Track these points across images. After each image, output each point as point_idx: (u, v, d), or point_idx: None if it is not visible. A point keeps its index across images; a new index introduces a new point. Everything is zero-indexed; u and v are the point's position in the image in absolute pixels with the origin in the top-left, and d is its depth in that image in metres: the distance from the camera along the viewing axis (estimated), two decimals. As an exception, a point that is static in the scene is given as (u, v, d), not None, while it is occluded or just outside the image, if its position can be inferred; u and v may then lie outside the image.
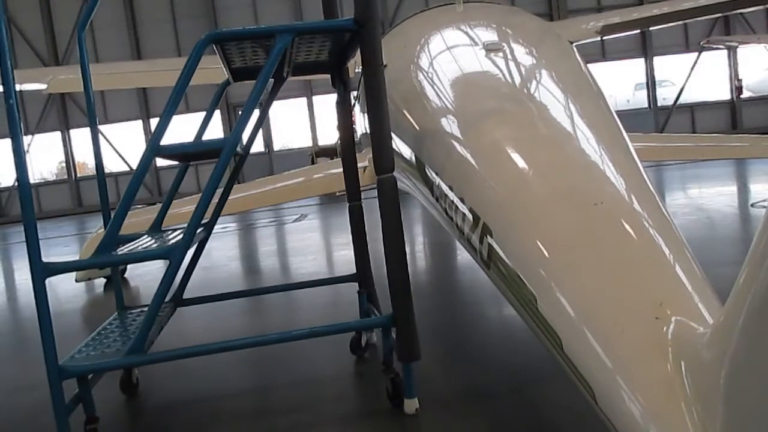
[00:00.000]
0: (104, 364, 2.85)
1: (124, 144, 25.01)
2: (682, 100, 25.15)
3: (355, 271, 4.18)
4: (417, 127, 3.53)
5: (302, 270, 7.78)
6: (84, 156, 26.02)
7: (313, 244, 10.00)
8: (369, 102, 2.90)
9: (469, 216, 2.58)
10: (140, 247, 3.03)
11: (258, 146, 23.58)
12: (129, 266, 7.81)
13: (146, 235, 3.74)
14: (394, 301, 3.00)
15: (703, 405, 1.39)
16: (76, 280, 7.06)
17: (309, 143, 24.28)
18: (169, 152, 2.84)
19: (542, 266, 2.03)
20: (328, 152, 20.06)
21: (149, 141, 2.80)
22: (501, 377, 3.46)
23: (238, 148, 3.72)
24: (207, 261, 8.82)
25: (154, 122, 24.23)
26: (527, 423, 2.91)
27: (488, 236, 2.37)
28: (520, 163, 2.53)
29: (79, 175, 25.78)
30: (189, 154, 3.17)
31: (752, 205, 8.50)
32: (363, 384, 3.62)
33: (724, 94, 25.63)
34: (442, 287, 5.83)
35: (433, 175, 3.11)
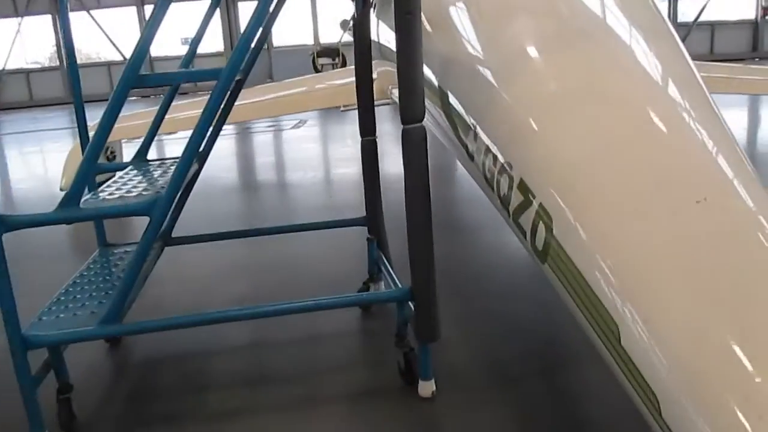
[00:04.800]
0: (74, 334, 2.44)
1: (117, 31, 23.87)
2: (703, 18, 23.96)
3: (365, 213, 3.74)
4: (450, 55, 2.98)
5: (302, 190, 7.34)
6: (78, 42, 24.85)
7: (313, 157, 9.51)
8: (399, 31, 2.36)
9: (518, 191, 2.11)
10: (116, 193, 2.56)
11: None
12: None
13: (129, 169, 3.26)
14: (415, 272, 2.58)
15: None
16: (61, 189, 6.61)
17: (310, 41, 23.17)
18: (152, 83, 2.32)
19: (628, 291, 1.57)
20: (330, 53, 19.13)
21: (125, 67, 2.27)
22: (526, 351, 3.09)
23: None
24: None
25: (149, 9, 22.99)
26: (559, 415, 2.57)
27: (545, 225, 1.91)
28: (593, 126, 2.02)
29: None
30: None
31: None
32: (370, 349, 3.24)
33: (749, 13, 24.41)
34: (457, 226, 5.40)
35: (470, 121, 2.60)
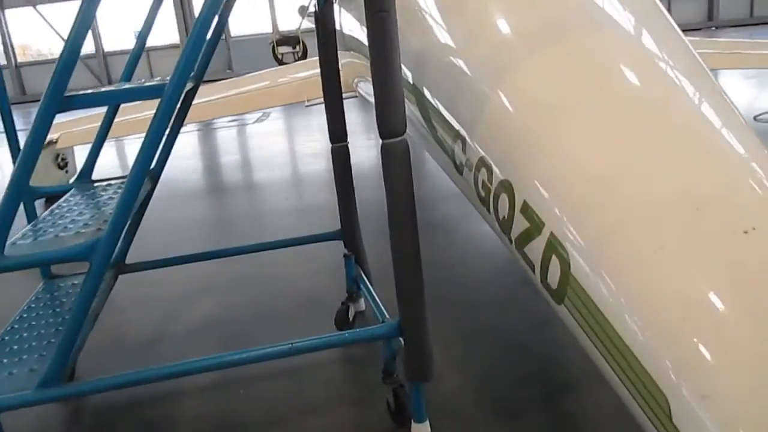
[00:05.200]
0: (7, 401, 2.07)
1: (67, 26, 22.96)
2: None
3: (339, 226, 3.41)
4: (426, 43, 2.66)
5: (270, 192, 6.97)
6: (25, 38, 23.90)
7: (280, 153, 9.12)
8: (372, 31, 2.03)
9: (521, 215, 1.80)
10: (51, 231, 2.19)
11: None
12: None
13: (71, 193, 2.89)
14: (403, 305, 2.26)
15: None
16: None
17: (269, 29, 22.54)
18: (81, 105, 1.95)
19: (678, 355, 1.26)
20: (290, 41, 18.61)
21: (49, 84, 1.90)
22: (529, 374, 2.81)
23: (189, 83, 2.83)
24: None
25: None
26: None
27: (559, 261, 1.61)
28: (611, 134, 1.71)
29: (20, 60, 23.76)
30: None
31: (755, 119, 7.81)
32: (354, 383, 2.92)
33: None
34: (435, 222, 5.10)
35: (457, 126, 2.28)
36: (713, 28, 21.33)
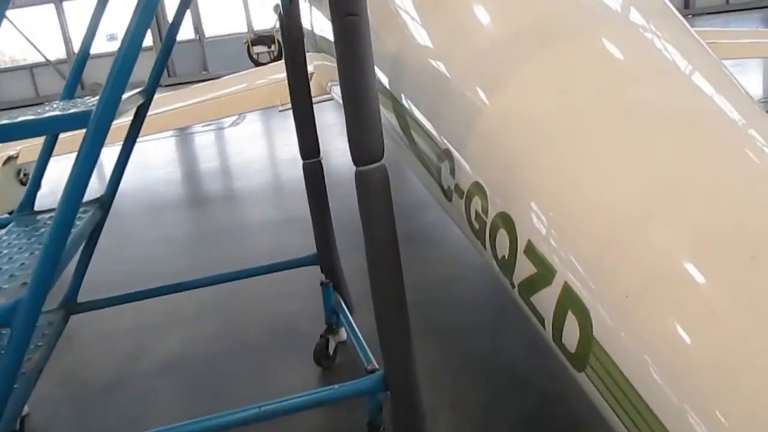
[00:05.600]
0: None
1: (37, 31, 22.37)
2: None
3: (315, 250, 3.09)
4: (406, 46, 2.36)
5: (246, 203, 6.62)
6: None
7: (256, 159, 8.73)
8: (339, 39, 1.70)
9: (525, 258, 1.49)
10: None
11: (188, 33, 21.29)
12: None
13: (11, 227, 2.54)
14: (388, 355, 1.95)
15: None
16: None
17: (244, 28, 22.05)
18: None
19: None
20: (265, 40, 18.20)
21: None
22: (533, 414, 2.51)
23: (137, 97, 2.50)
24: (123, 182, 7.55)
25: (68, 6, 21.56)
26: None
27: (578, 319, 1.30)
28: (639, 160, 1.40)
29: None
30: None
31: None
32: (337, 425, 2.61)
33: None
34: (416, 235, 4.78)
35: (444, 144, 1.97)
36: (690, 16, 21.14)
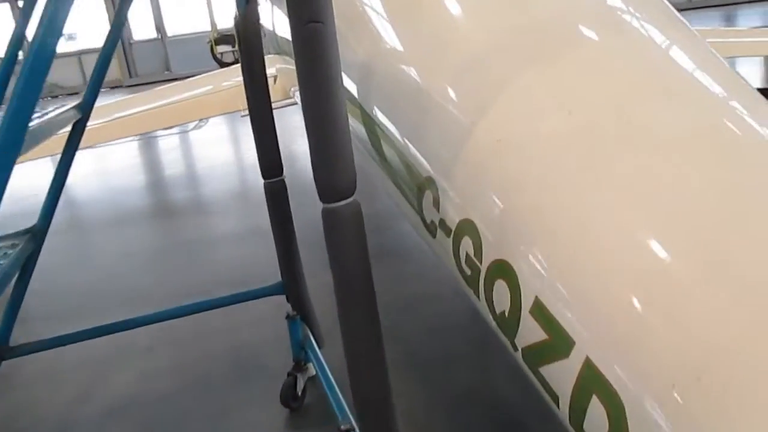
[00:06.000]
0: None
1: (-9, 32, 21.61)
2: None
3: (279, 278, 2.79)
4: (388, 64, 2.08)
5: (211, 213, 6.27)
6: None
7: (221, 165, 8.33)
8: (300, 53, 1.40)
9: (531, 318, 1.22)
10: None
11: (149, 32, 20.70)
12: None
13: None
14: (363, 422, 1.65)
15: None
16: None
17: (208, 27, 21.50)
18: None
19: None
20: (229, 39, 17.71)
21: None
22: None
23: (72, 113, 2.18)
24: (75, 194, 7.14)
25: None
26: None
27: (606, 408, 1.03)
28: (676, 197, 1.14)
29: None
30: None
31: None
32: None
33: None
34: (391, 250, 4.49)
35: (427, 171, 1.69)
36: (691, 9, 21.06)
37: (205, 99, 6.83)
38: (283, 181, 2.64)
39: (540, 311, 1.20)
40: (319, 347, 2.67)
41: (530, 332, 1.23)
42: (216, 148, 9.41)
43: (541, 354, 1.21)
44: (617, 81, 1.45)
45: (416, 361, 2.95)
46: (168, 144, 10.43)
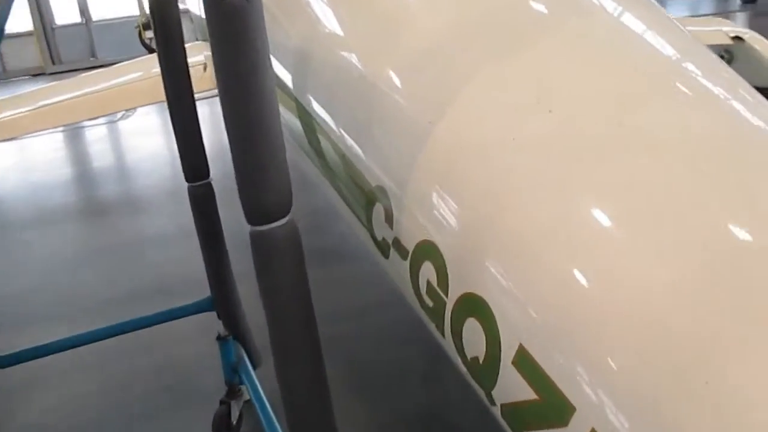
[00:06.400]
0: None
1: None
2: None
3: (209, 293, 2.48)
4: (331, 51, 1.81)
5: (143, 211, 5.83)
6: None
7: (151, 156, 7.84)
8: (217, 45, 1.10)
9: (514, 370, 0.97)
10: None
11: (73, 16, 19.70)
12: None
13: None
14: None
15: None
16: None
17: (136, 11, 20.61)
18: None
19: None
20: (159, 23, 17.02)
21: None
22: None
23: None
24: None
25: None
26: None
27: None
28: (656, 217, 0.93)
29: None
30: None
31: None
32: None
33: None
34: (332, 253, 4.20)
35: (378, 179, 1.43)
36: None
37: (133, 86, 6.36)
38: (209, 184, 2.33)
39: (526, 363, 0.96)
40: (255, 367, 2.39)
41: (513, 388, 0.99)
42: (146, 139, 8.91)
43: (527, 416, 0.97)
44: (602, 75, 1.21)
45: (363, 376, 2.70)
46: (94, 135, 9.85)
